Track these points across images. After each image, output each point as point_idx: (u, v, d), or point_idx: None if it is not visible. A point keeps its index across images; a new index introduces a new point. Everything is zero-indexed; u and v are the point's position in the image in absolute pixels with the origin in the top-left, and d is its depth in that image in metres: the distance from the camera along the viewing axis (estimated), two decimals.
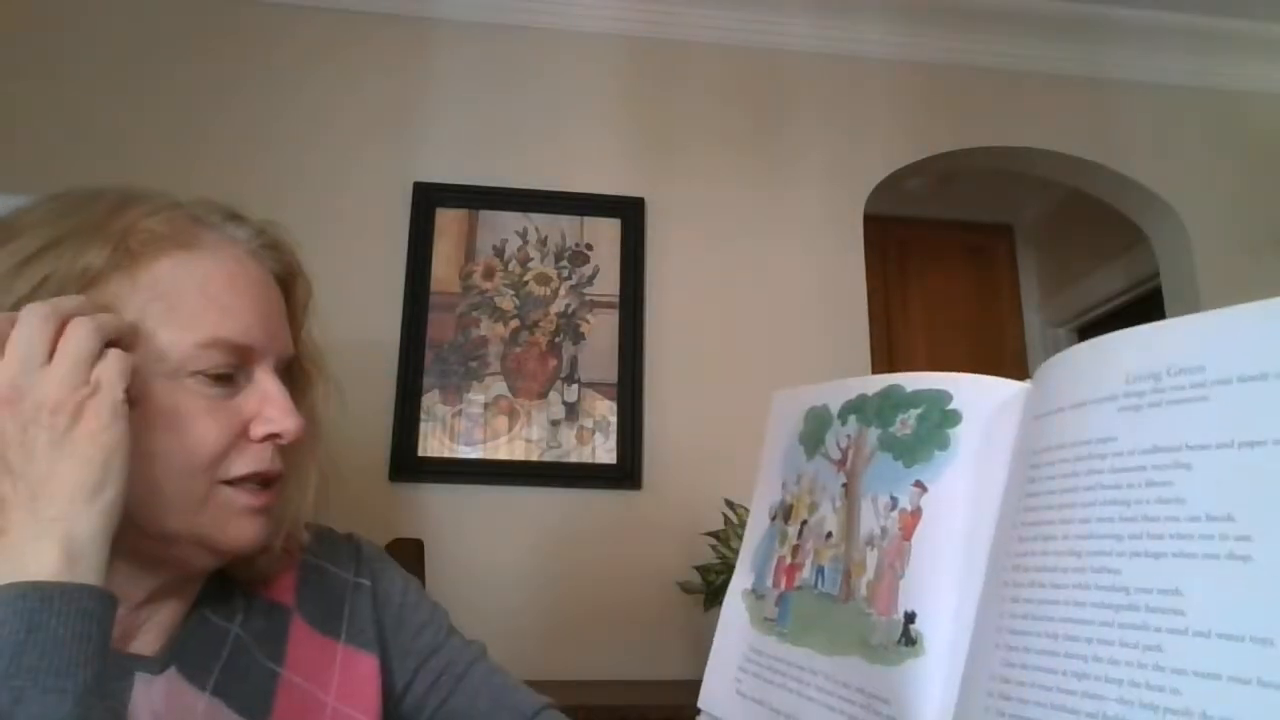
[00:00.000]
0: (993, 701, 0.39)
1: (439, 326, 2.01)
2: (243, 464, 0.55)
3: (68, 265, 0.52)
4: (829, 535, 0.55)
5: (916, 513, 0.49)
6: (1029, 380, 0.48)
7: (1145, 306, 2.79)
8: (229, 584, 0.62)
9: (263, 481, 0.57)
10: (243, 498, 0.56)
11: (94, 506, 0.45)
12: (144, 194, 0.58)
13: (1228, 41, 2.38)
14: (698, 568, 1.79)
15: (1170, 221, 2.37)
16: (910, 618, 0.46)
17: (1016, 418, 0.46)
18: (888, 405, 0.54)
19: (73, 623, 0.42)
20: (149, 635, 0.57)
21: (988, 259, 3.43)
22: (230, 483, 0.55)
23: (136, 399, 0.49)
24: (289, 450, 0.59)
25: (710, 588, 1.73)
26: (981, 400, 0.49)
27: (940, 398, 0.51)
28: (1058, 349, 3.48)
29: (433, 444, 1.94)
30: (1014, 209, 3.41)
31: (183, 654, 0.58)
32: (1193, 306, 2.28)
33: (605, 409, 2.00)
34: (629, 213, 2.12)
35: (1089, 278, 3.11)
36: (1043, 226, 3.41)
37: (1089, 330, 3.23)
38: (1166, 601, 0.34)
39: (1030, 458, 0.43)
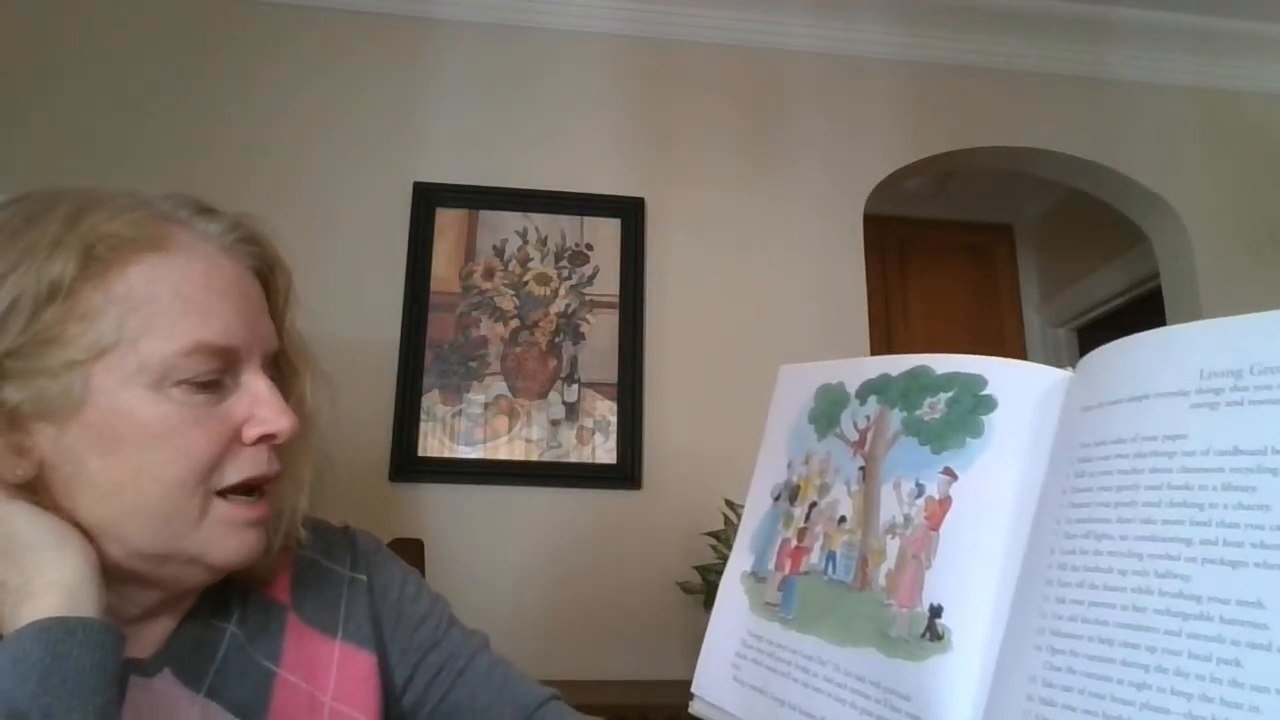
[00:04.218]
0: (1033, 706, 0.37)
1: (439, 326, 2.01)
2: (237, 470, 0.54)
3: (34, 283, 0.49)
4: (842, 520, 0.52)
5: (945, 501, 0.46)
6: (1071, 369, 0.45)
7: (1145, 306, 2.79)
8: (225, 583, 0.61)
9: (258, 488, 0.55)
10: (238, 511, 0.54)
11: (64, 550, 0.48)
12: (104, 196, 0.55)
13: (1228, 41, 2.38)
14: (698, 568, 1.79)
15: (1170, 221, 2.37)
16: (936, 611, 0.44)
17: (1059, 407, 0.44)
18: (915, 387, 0.51)
19: (92, 654, 0.45)
20: (144, 640, 0.57)
21: (988, 259, 3.42)
22: (225, 492, 0.54)
23: (109, 420, 0.50)
24: (283, 448, 0.57)
25: (710, 588, 1.73)
26: (1019, 387, 0.46)
27: (974, 382, 0.48)
28: (1058, 349, 3.46)
29: (433, 444, 1.94)
30: (1014, 209, 3.40)
31: (177, 656, 0.57)
32: (1193, 306, 2.27)
33: (605, 409, 2.00)
34: (629, 213, 2.12)
35: (1089, 278, 3.11)
36: (1043, 226, 3.40)
37: (1089, 330, 3.23)
38: (1247, 614, 0.31)
39: (1078, 451, 0.41)
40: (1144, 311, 2.76)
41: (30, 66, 2.02)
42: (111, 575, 0.51)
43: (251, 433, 0.54)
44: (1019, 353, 3.31)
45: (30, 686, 0.43)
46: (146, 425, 0.51)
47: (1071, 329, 3.29)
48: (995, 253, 3.44)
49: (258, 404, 0.55)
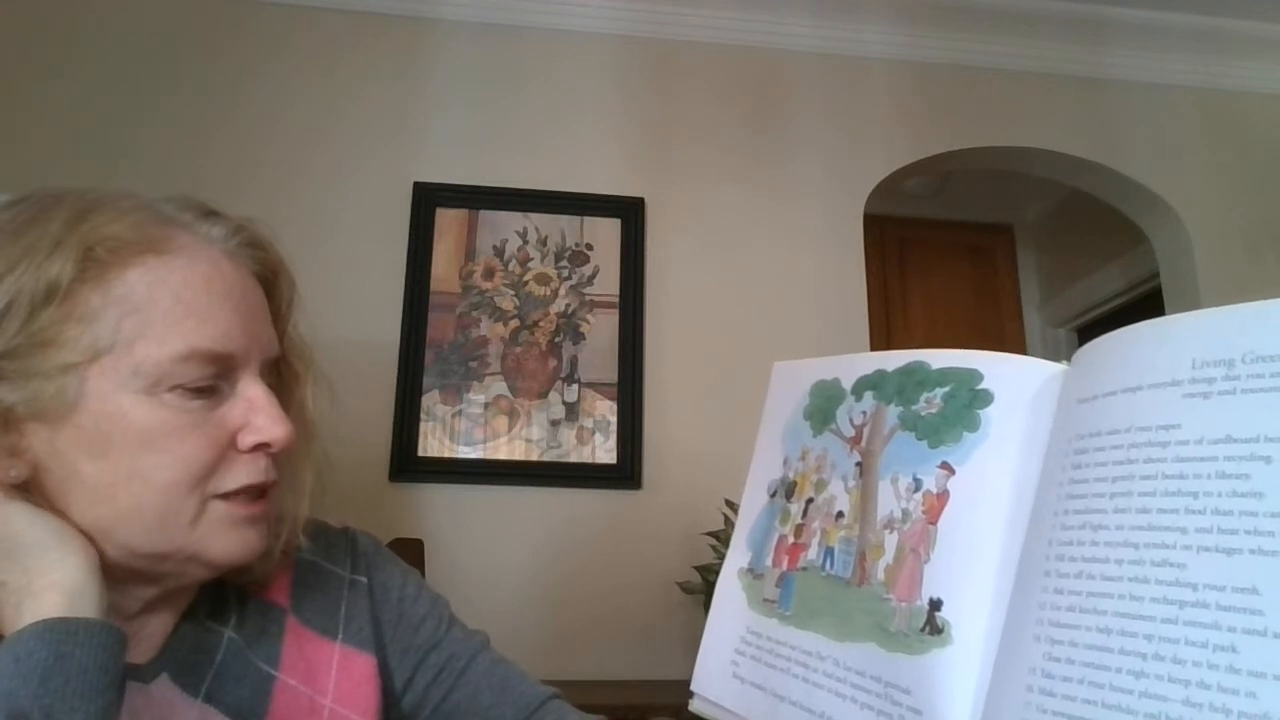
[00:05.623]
0: (1033, 696, 0.37)
1: (439, 326, 2.01)
2: (234, 477, 0.53)
3: (32, 283, 0.49)
4: (840, 515, 0.53)
5: (943, 495, 0.46)
6: (1066, 362, 0.45)
7: (1145, 307, 2.79)
8: (223, 586, 0.61)
9: (256, 492, 0.55)
10: (236, 509, 0.54)
11: (65, 551, 0.48)
12: (107, 197, 0.54)
13: (1228, 41, 2.38)
14: (698, 568, 1.79)
15: (1170, 221, 2.37)
16: (936, 605, 0.44)
17: (1054, 400, 0.44)
18: (911, 382, 0.51)
19: (95, 654, 0.45)
20: (142, 644, 0.56)
21: (988, 259, 3.42)
22: (222, 496, 0.53)
23: (105, 423, 0.50)
24: (282, 456, 0.57)
25: (710, 588, 1.73)
26: (1015, 381, 0.47)
27: (970, 376, 0.49)
28: (1058, 350, 3.47)
29: (433, 444, 1.94)
30: (1014, 209, 3.40)
31: (174, 661, 0.57)
32: (1193, 306, 2.27)
33: (605, 409, 2.00)
34: (629, 213, 2.12)
35: (1089, 278, 3.11)
36: (1043, 226, 3.41)
37: (1089, 330, 3.23)
38: (1242, 600, 0.32)
39: (1074, 442, 0.41)
40: (1144, 312, 2.76)
41: (30, 66, 2.02)
42: (110, 573, 0.50)
43: (248, 440, 0.54)
44: (1019, 353, 3.30)
45: (33, 687, 0.43)
46: (139, 430, 0.50)
47: (1072, 329, 3.29)
48: (995, 253, 3.44)
49: (254, 411, 0.54)
